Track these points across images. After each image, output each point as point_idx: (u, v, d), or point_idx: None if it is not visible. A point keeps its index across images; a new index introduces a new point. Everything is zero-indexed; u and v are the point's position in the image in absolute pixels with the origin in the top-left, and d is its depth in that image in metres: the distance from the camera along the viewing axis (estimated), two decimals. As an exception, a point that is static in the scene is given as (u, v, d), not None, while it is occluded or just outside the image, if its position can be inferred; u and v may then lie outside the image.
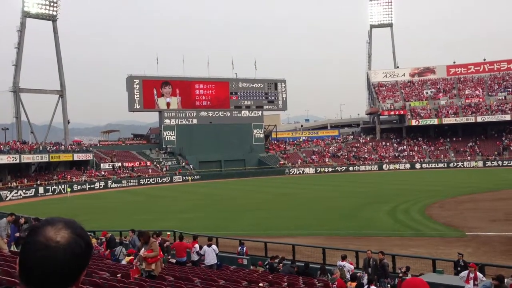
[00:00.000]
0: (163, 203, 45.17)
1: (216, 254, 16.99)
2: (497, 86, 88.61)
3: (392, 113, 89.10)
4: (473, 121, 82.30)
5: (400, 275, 14.72)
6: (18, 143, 64.97)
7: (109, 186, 64.06)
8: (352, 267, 16.28)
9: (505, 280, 11.69)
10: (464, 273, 13.10)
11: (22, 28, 72.35)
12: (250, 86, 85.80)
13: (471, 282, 12.70)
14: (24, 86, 74.09)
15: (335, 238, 23.94)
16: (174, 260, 16.92)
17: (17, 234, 14.52)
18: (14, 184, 58.19)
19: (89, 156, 68.74)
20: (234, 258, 19.17)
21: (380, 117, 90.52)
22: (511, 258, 18.78)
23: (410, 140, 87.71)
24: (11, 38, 73.79)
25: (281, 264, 16.58)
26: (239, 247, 19.89)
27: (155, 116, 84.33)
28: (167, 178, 70.73)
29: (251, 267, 17.62)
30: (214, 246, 17.23)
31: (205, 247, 17.04)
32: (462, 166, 75.93)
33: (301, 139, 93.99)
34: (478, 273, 13.09)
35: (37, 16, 74.03)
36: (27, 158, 60.96)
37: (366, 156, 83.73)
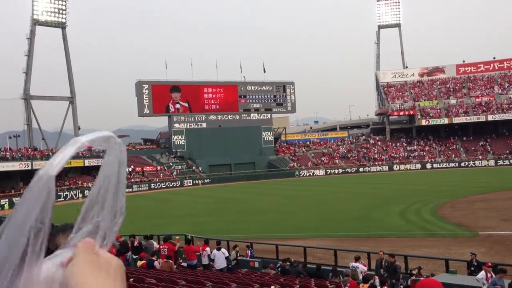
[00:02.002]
0: (173, 207, 45.32)
1: (226, 258, 17.05)
2: (508, 84, 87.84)
3: (401, 113, 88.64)
4: (484, 120, 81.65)
5: (414, 276, 14.65)
6: (29, 150, 65.58)
7: (120, 191, 64.21)
8: (365, 268, 16.25)
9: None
10: (482, 274, 12.98)
11: (32, 36, 73.08)
12: (258, 89, 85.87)
13: (490, 281, 12.64)
14: (34, 93, 74.78)
15: (347, 240, 23.86)
16: (185, 264, 16.99)
17: None
18: (26, 190, 58.65)
19: (100, 162, 68.69)
20: (245, 261, 19.19)
21: (390, 117, 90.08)
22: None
23: (420, 140, 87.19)
24: (22, 46, 74.51)
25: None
26: (248, 250, 19.96)
27: (164, 121, 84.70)
28: (177, 182, 70.92)
29: (263, 270, 17.63)
30: (223, 250, 17.30)
31: (214, 251, 17.12)
32: (473, 166, 75.29)
33: (310, 141, 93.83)
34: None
35: (47, 24, 74.76)
36: (38, 164, 61.42)
37: (376, 157, 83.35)
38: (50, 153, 65.65)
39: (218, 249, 17.10)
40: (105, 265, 0.87)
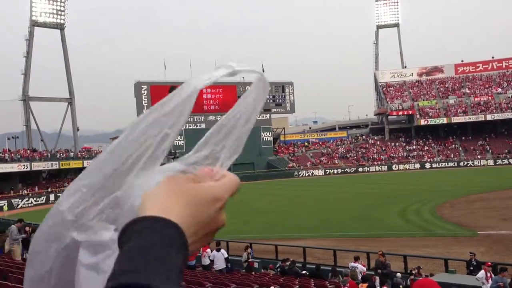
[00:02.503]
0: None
1: (226, 259, 17.05)
2: (506, 83, 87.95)
3: (400, 113, 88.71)
4: (483, 119, 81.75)
5: (413, 276, 14.66)
6: (28, 151, 65.51)
7: (119, 192, 64.20)
8: (365, 268, 16.25)
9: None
10: (481, 274, 13.00)
11: (30, 37, 73.01)
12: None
13: (490, 281, 12.68)
14: (33, 94, 74.68)
15: (346, 240, 23.87)
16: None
17: (24, 235, 14.89)
18: (25, 192, 58.65)
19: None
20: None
21: (389, 117, 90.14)
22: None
23: (419, 140, 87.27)
24: (20, 47, 74.43)
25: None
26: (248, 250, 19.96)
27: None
28: (176, 183, 70.84)
29: (262, 270, 17.64)
30: (222, 251, 17.31)
31: (214, 251, 17.12)
32: (472, 165, 75.36)
33: (309, 141, 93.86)
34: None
35: (45, 25, 74.68)
36: (37, 166, 61.44)
37: (375, 157, 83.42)
38: (49, 155, 65.66)
39: (218, 250, 17.11)
40: (189, 190, 0.82)
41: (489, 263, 13.50)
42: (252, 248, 20.35)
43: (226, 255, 17.24)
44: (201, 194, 0.83)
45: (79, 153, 71.37)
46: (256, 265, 18.49)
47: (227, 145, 0.95)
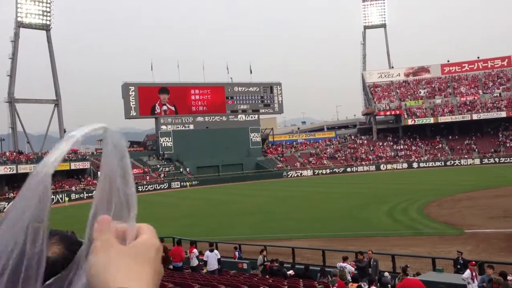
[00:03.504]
0: (162, 209, 45.07)
1: (218, 259, 17.01)
2: (492, 83, 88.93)
3: (388, 113, 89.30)
4: (469, 119, 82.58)
5: (400, 275, 14.73)
6: (14, 153, 64.84)
7: (107, 194, 63.75)
8: (353, 268, 16.29)
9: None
10: (467, 273, 13.09)
11: (16, 38, 72.31)
12: (245, 90, 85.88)
13: (475, 280, 12.77)
14: (19, 96, 73.96)
15: (335, 240, 23.93)
16: (171, 266, 16.91)
17: None
18: (12, 195, 57.97)
19: (86, 165, 68.59)
20: (234, 262, 19.18)
21: (376, 117, 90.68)
22: (510, 255, 18.82)
23: (407, 139, 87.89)
24: (5, 48, 73.70)
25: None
26: (236, 252, 19.96)
27: (151, 123, 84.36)
28: (165, 184, 70.63)
29: (251, 271, 17.62)
30: (216, 251, 17.26)
31: (207, 252, 17.06)
32: (459, 164, 76.09)
33: (298, 142, 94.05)
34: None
35: (31, 26, 74.00)
36: (24, 168, 60.74)
37: (364, 157, 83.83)
38: (35, 157, 65.01)
39: (211, 251, 17.05)
40: (130, 249, 0.78)
41: (473, 262, 13.60)
42: (240, 249, 20.35)
43: (219, 256, 17.19)
44: (147, 250, 0.80)
45: (66, 155, 70.61)
46: (244, 266, 18.47)
47: (116, 206, 0.87)
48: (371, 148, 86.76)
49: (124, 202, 0.87)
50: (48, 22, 75.15)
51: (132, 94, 77.38)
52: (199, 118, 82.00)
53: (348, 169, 79.56)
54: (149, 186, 68.87)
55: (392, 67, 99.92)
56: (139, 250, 0.79)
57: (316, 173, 78.87)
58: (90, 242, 0.80)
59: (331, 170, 79.49)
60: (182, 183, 71.70)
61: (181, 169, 77.00)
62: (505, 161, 73.31)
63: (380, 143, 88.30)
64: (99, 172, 0.72)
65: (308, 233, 26.32)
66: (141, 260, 0.77)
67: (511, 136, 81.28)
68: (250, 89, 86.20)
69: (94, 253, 0.76)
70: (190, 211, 41.67)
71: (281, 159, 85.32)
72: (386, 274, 15.71)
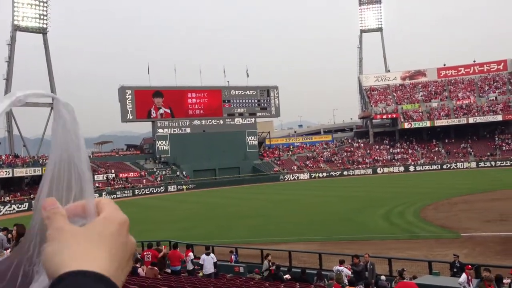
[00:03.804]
0: (158, 213, 45.00)
1: (214, 263, 16.96)
2: (488, 87, 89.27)
3: (384, 116, 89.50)
4: (465, 122, 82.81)
5: (397, 278, 14.74)
6: (10, 157, 64.62)
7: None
8: (350, 272, 16.29)
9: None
10: (463, 278, 13.11)
11: (12, 42, 72.17)
12: (242, 93, 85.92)
13: (471, 284, 12.79)
14: (15, 99, 73.67)
15: (331, 243, 23.94)
16: (169, 270, 16.88)
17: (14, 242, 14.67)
18: (8, 198, 57.78)
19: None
20: (230, 266, 19.15)
21: (373, 121, 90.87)
22: (506, 258, 18.86)
23: (403, 143, 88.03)
24: (2, 52, 73.61)
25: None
26: (233, 255, 19.93)
27: (148, 126, 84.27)
28: (162, 187, 70.50)
29: (248, 275, 17.60)
30: (212, 255, 17.21)
31: (203, 255, 17.01)
32: (455, 168, 76.25)
33: (295, 145, 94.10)
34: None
35: (27, 30, 73.89)
36: (20, 172, 60.58)
37: (360, 160, 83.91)
38: (32, 161, 64.82)
39: (207, 254, 17.00)
40: (85, 231, 0.76)
41: (470, 266, 13.62)
42: (237, 252, 20.33)
43: (215, 259, 17.15)
44: (106, 227, 0.78)
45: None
46: (241, 269, 18.44)
47: (75, 184, 0.85)
48: (368, 152, 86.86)
49: (82, 179, 0.84)
50: (44, 26, 75.06)
51: (128, 98, 77.28)
52: (196, 122, 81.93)
53: (345, 173, 79.60)
54: (146, 190, 68.74)
55: (389, 71, 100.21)
56: (97, 230, 0.76)
57: (312, 176, 78.86)
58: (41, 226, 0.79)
59: (327, 174, 79.50)
60: (178, 187, 71.58)
61: (178, 173, 76.88)
62: (501, 164, 73.50)
63: (377, 147, 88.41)
64: (53, 148, 0.67)
65: (304, 236, 26.32)
66: (98, 239, 0.74)
67: (507, 139, 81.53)
68: (247, 93, 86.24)
69: (47, 241, 0.75)
70: (186, 214, 41.60)
71: (278, 162, 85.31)
72: (383, 277, 15.72)
